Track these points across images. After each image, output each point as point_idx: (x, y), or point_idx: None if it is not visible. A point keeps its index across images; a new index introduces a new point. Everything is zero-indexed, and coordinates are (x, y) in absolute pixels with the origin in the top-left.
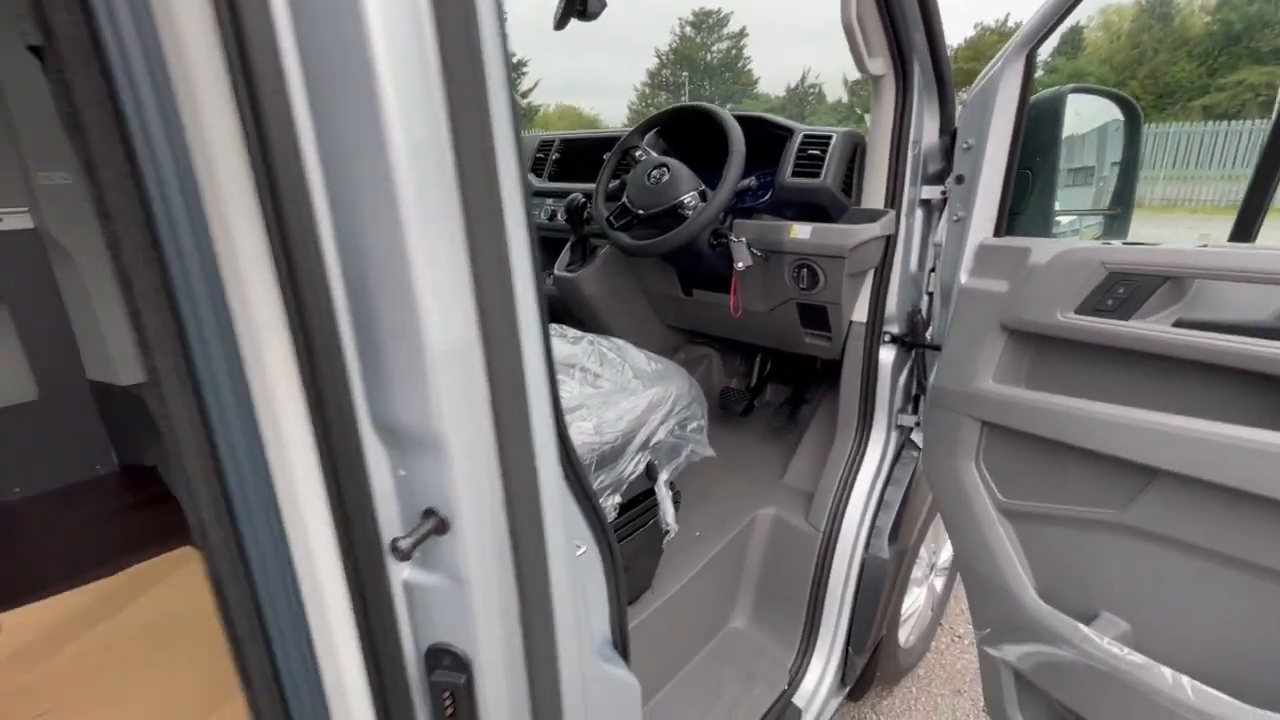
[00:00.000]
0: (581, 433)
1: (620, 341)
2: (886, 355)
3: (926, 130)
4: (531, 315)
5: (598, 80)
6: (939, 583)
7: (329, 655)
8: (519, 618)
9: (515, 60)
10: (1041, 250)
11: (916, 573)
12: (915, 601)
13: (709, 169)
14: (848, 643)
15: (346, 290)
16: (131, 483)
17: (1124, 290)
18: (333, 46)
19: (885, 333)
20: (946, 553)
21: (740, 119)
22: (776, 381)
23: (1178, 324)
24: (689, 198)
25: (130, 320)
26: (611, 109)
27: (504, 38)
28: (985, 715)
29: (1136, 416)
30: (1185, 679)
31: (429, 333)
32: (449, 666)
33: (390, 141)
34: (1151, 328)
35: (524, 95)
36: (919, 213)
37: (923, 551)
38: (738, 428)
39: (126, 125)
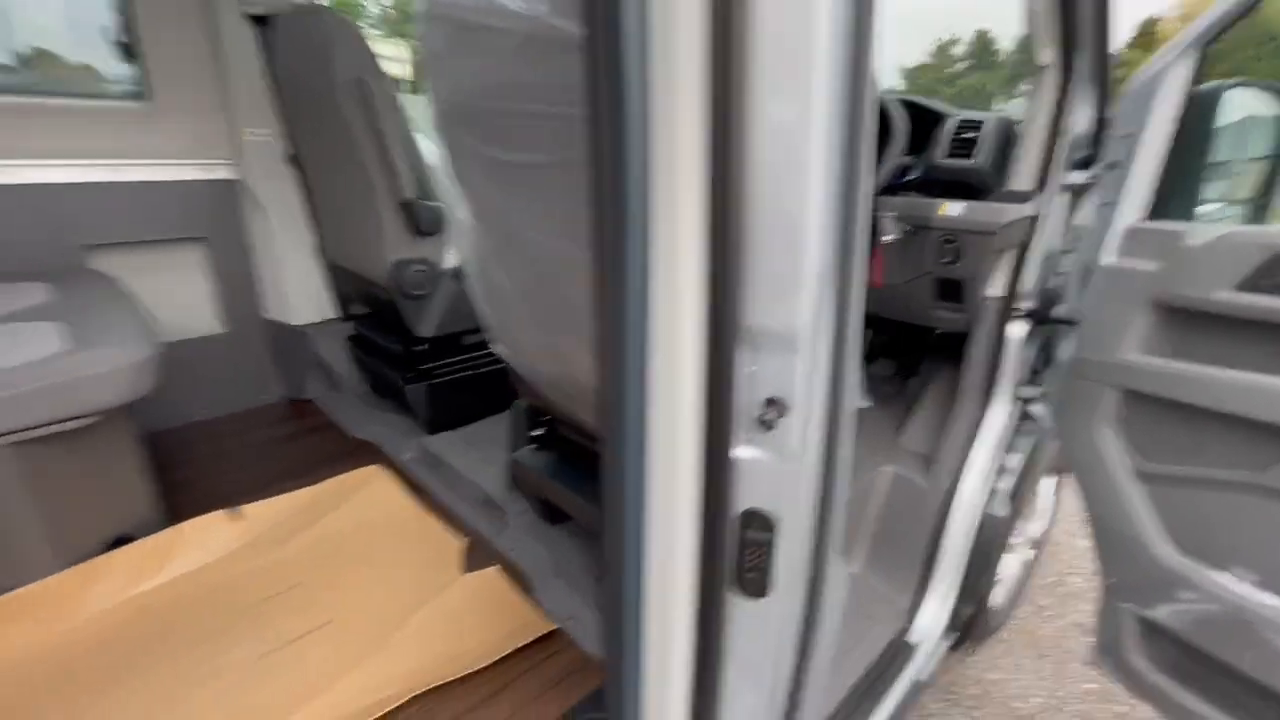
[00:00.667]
0: None
1: None
2: (1017, 329)
3: (1079, 118)
4: (862, 250)
5: None
6: (1030, 554)
7: (669, 506)
8: (819, 487)
9: None
10: (1194, 234)
11: (1013, 539)
12: (1007, 567)
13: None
14: (960, 591)
15: (750, 225)
16: (295, 413)
17: None
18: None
19: (1018, 308)
20: (1037, 526)
21: (902, 103)
22: (886, 356)
23: None
24: None
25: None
26: None
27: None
28: (1068, 678)
29: None
30: None
31: (810, 256)
32: (759, 527)
33: (813, 128)
34: None
35: None
36: (1064, 196)
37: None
38: None
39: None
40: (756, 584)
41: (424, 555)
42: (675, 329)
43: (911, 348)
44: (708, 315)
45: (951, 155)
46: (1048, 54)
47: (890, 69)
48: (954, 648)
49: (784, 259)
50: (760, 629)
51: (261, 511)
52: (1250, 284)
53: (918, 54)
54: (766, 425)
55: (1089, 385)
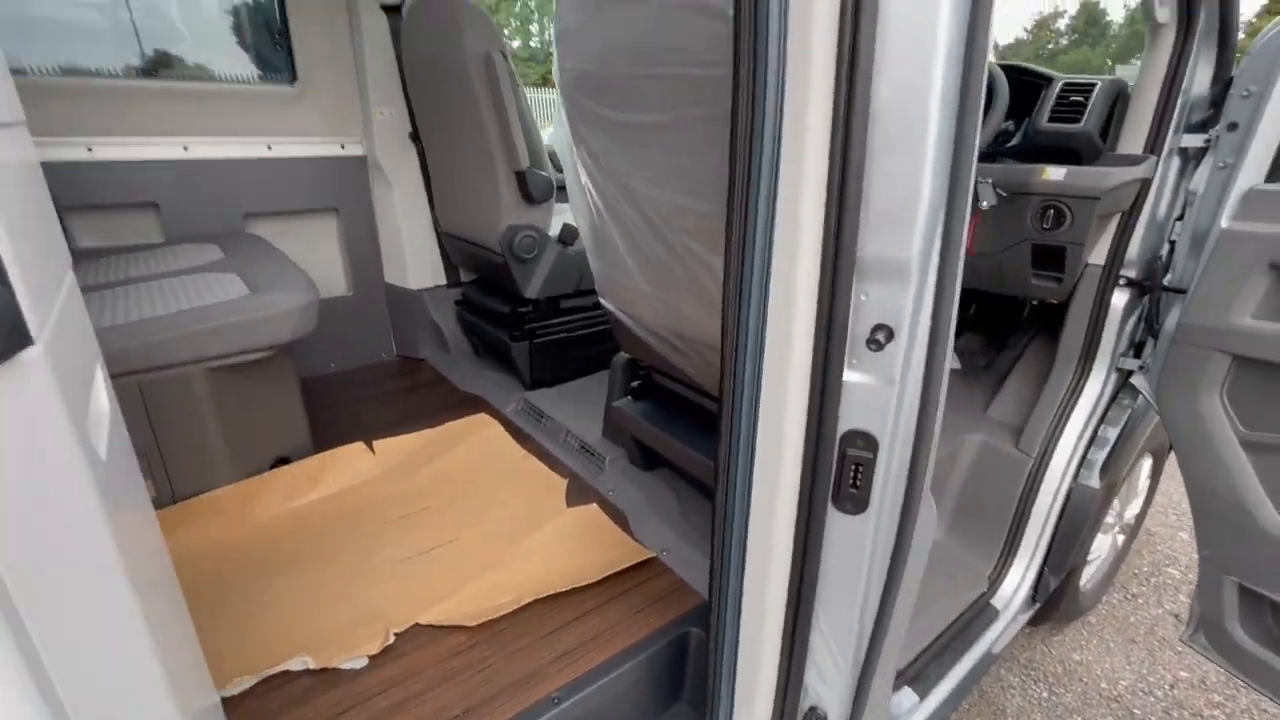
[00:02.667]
0: None
1: None
2: (1119, 298)
3: (1198, 78)
4: (968, 188)
5: None
6: (1121, 539)
7: (777, 425)
8: (919, 410)
9: None
10: None
11: (1107, 518)
12: (1099, 548)
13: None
14: (1045, 561)
15: (871, 173)
16: (410, 369)
17: None
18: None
19: (1121, 276)
20: (1133, 508)
21: (1002, 68)
22: (975, 330)
23: None
24: None
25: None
26: None
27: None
28: (1161, 665)
29: None
30: None
31: (925, 191)
32: (861, 446)
33: (934, 73)
34: None
35: None
36: (1175, 160)
37: (1115, 502)
38: None
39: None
40: (857, 500)
41: (532, 490)
42: (795, 256)
43: (1003, 321)
44: (825, 244)
45: (1055, 119)
46: (1165, 11)
47: None
48: (1036, 622)
49: (901, 193)
50: (855, 546)
51: (391, 446)
52: None
53: (1014, 29)
54: (876, 347)
55: (1196, 352)
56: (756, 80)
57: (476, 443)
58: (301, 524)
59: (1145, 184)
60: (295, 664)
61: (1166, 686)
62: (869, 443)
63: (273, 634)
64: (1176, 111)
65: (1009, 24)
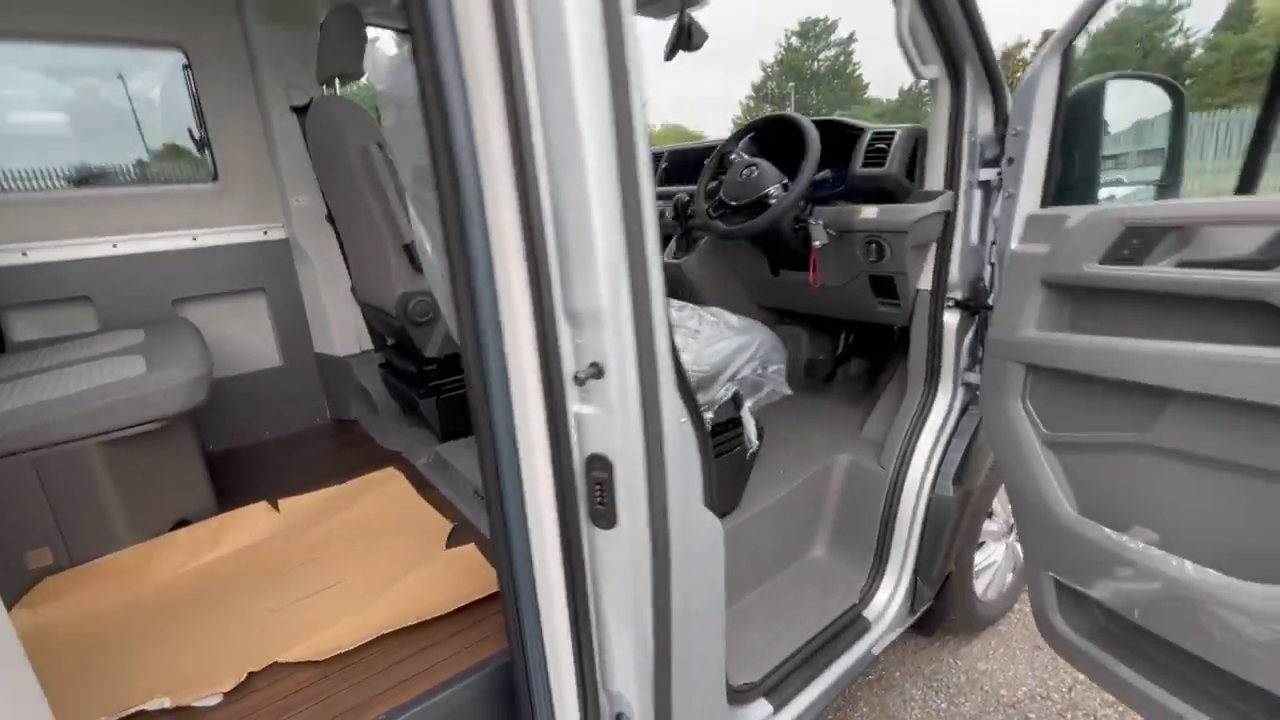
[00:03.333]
0: (685, 362)
1: (717, 309)
2: (951, 318)
3: (981, 121)
4: (654, 248)
5: (703, 97)
6: (1015, 546)
7: (529, 455)
8: (643, 434)
9: None
10: (1075, 215)
11: (991, 526)
12: (991, 556)
13: (795, 166)
14: (916, 572)
15: (555, 233)
16: (342, 430)
17: (1138, 241)
18: (560, 107)
19: (949, 299)
20: None
21: (818, 123)
22: (858, 355)
23: (1179, 265)
24: (773, 189)
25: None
26: (716, 124)
27: (641, 90)
28: (1063, 668)
29: (1151, 346)
30: (1188, 562)
31: (599, 252)
32: (600, 468)
33: (587, 161)
34: (1157, 270)
35: None
36: (978, 193)
37: (1000, 509)
38: (823, 393)
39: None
40: (605, 516)
41: (420, 536)
42: (514, 311)
43: (879, 346)
44: (534, 298)
45: (866, 165)
46: (931, 69)
47: None
48: (931, 632)
49: (579, 252)
50: (617, 558)
51: (296, 504)
52: (1110, 256)
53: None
54: (593, 381)
55: (1001, 363)
56: (455, 165)
57: (378, 495)
58: (197, 581)
59: (949, 216)
60: (153, 704)
61: (1065, 690)
62: (605, 464)
63: (141, 681)
64: (966, 151)
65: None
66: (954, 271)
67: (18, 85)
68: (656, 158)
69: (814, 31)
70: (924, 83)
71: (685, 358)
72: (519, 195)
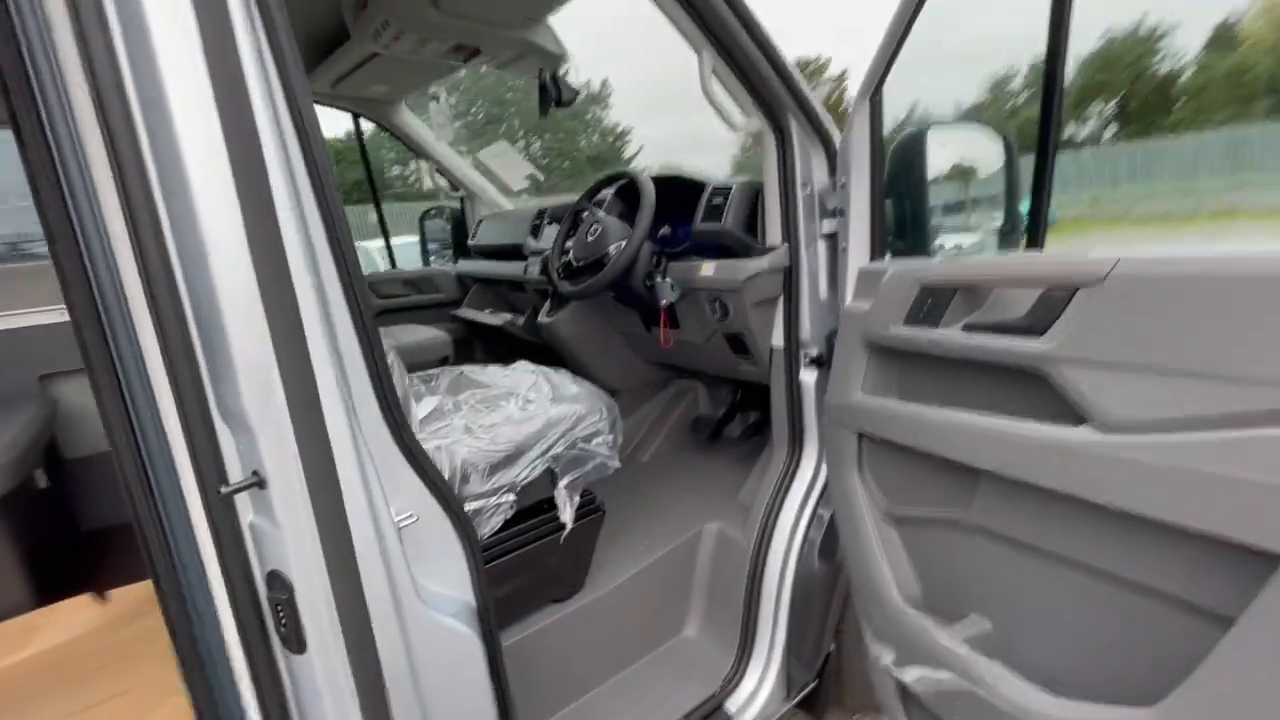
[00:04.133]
0: (474, 445)
1: (563, 374)
2: (808, 376)
3: (816, 173)
4: (321, 343)
5: (702, 137)
6: None
7: (208, 577)
8: (322, 554)
9: (619, 129)
10: (890, 270)
11: None
12: None
13: (676, 219)
14: (788, 652)
15: (198, 326)
16: None
17: (932, 301)
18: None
19: (805, 355)
20: None
21: (663, 178)
22: (749, 409)
23: (965, 328)
24: (613, 248)
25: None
26: (715, 164)
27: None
28: None
29: (948, 417)
30: (1000, 667)
31: (234, 349)
32: (278, 588)
33: (210, 243)
34: (943, 333)
35: (628, 161)
36: (823, 244)
37: None
38: (709, 452)
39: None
40: (293, 640)
41: None
42: (160, 410)
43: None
44: (177, 400)
45: (706, 219)
46: (753, 122)
47: (952, 108)
48: (815, 712)
49: (219, 347)
50: (314, 684)
51: (131, 594)
52: (911, 317)
53: (978, 92)
54: (254, 491)
55: (835, 428)
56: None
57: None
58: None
59: (789, 271)
60: None
61: None
62: (284, 583)
63: None
64: (801, 203)
65: (972, 86)
66: (805, 327)
67: None
68: (540, 214)
69: (806, 71)
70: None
71: (476, 443)
72: (143, 280)
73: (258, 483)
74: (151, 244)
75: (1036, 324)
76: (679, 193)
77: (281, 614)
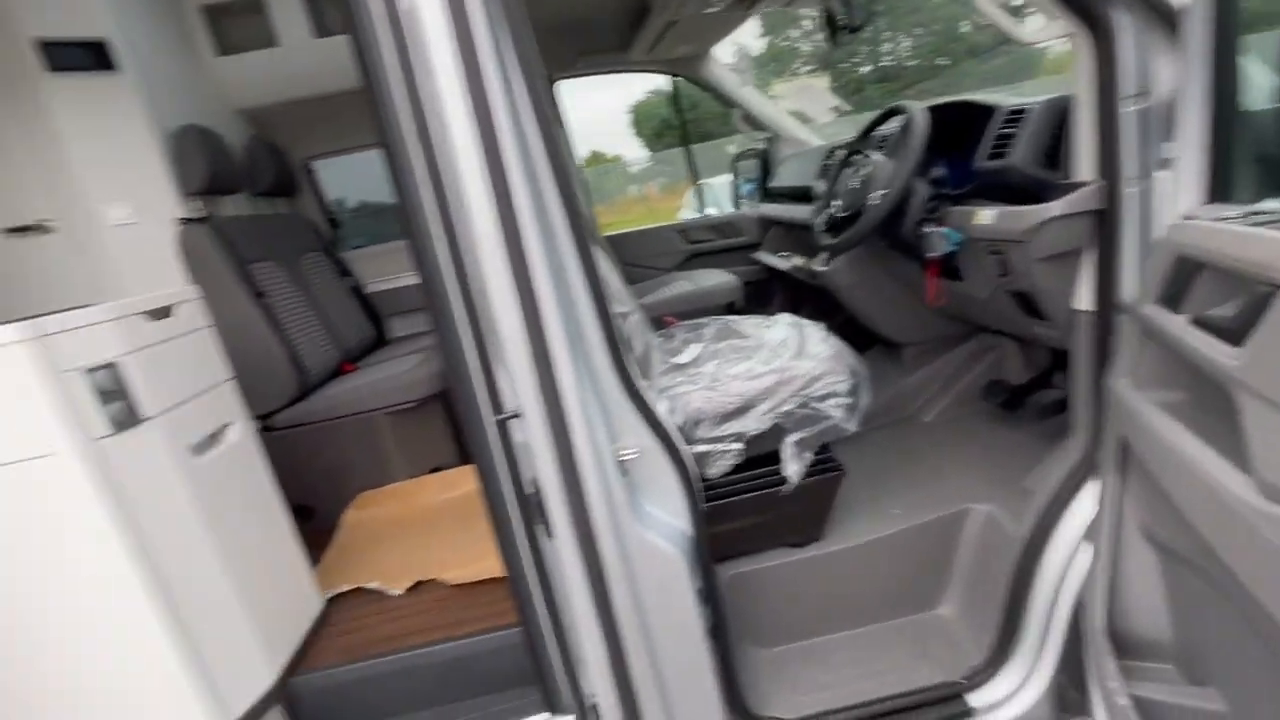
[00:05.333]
0: (709, 395)
1: (818, 331)
2: None
3: (1161, 75)
4: (556, 312)
5: None
6: None
7: (499, 475)
8: (558, 468)
9: None
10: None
11: None
12: None
13: (960, 155)
14: (1062, 668)
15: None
16: None
17: (1188, 277)
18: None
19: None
20: None
21: (947, 105)
22: (1060, 380)
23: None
24: (875, 196)
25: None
26: None
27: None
28: None
29: (1176, 440)
30: None
31: (499, 319)
32: (535, 491)
33: (477, 233)
34: (1171, 319)
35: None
36: (1164, 177)
37: None
38: (1003, 423)
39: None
40: (546, 526)
41: None
42: (469, 356)
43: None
44: (479, 352)
45: (992, 156)
46: (1052, 26)
47: None
48: None
49: (489, 316)
50: (559, 562)
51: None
52: (1163, 295)
53: None
54: (506, 422)
55: (1108, 415)
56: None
57: None
58: (433, 510)
59: (1103, 215)
60: (370, 584)
61: None
62: (537, 486)
63: (375, 567)
64: (1130, 124)
65: None
66: (1128, 288)
67: None
68: (830, 153)
69: None
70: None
71: (709, 392)
72: (454, 264)
73: (515, 415)
74: (450, 234)
75: (1237, 324)
76: (967, 122)
77: (539, 508)
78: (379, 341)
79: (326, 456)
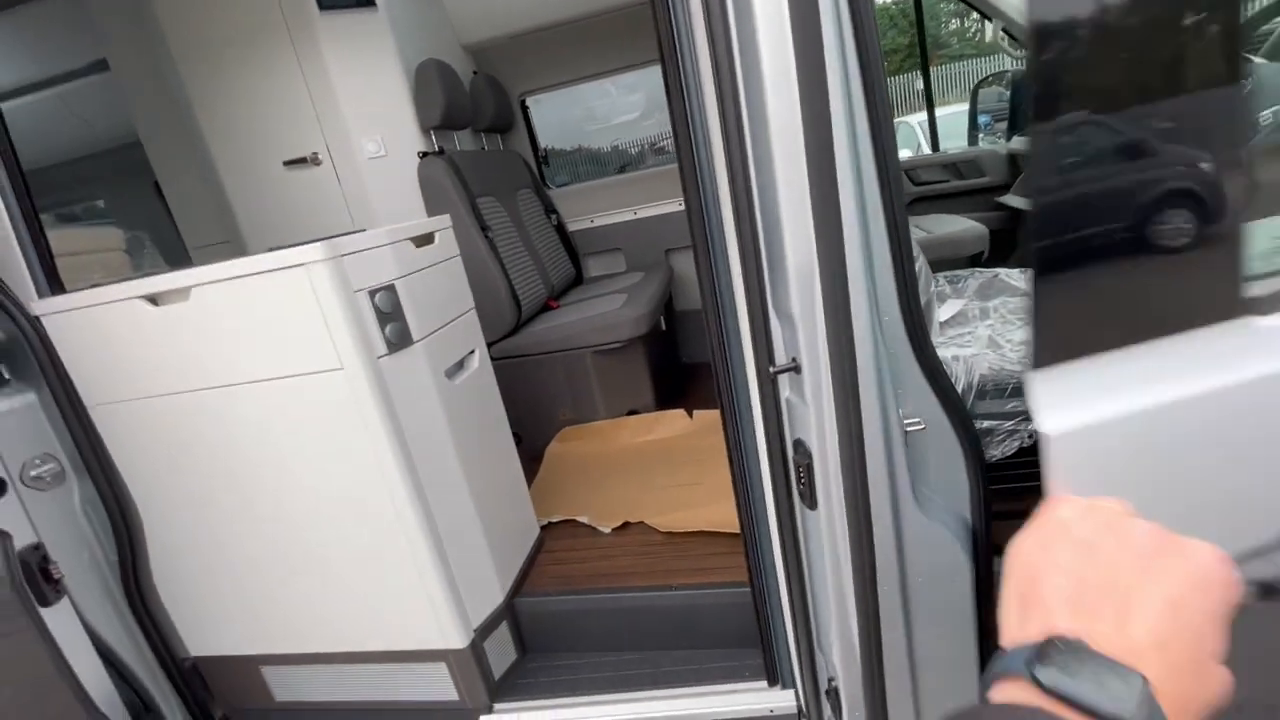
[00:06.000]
0: (996, 361)
1: None
2: None
3: None
4: (858, 255)
5: None
6: None
7: (756, 432)
8: (837, 429)
9: None
10: None
11: None
12: None
13: None
14: None
15: (764, 239)
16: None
17: None
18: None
19: None
20: None
21: None
22: None
23: None
24: None
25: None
26: None
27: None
28: None
29: None
30: None
31: (789, 260)
32: (801, 453)
33: (776, 171)
34: None
35: None
36: None
37: None
38: None
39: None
40: (808, 497)
41: None
42: (736, 297)
43: None
44: (748, 300)
45: None
46: None
47: None
48: None
49: (777, 258)
50: (816, 535)
51: (704, 416)
52: None
53: None
54: (793, 373)
55: None
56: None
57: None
58: (633, 452)
59: None
60: (582, 518)
61: None
62: (806, 450)
63: (586, 501)
64: None
65: None
66: None
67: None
68: None
69: None
70: None
71: (995, 358)
72: (733, 203)
73: (794, 368)
74: (738, 164)
75: None
76: None
77: (801, 475)
78: (577, 280)
79: (533, 389)
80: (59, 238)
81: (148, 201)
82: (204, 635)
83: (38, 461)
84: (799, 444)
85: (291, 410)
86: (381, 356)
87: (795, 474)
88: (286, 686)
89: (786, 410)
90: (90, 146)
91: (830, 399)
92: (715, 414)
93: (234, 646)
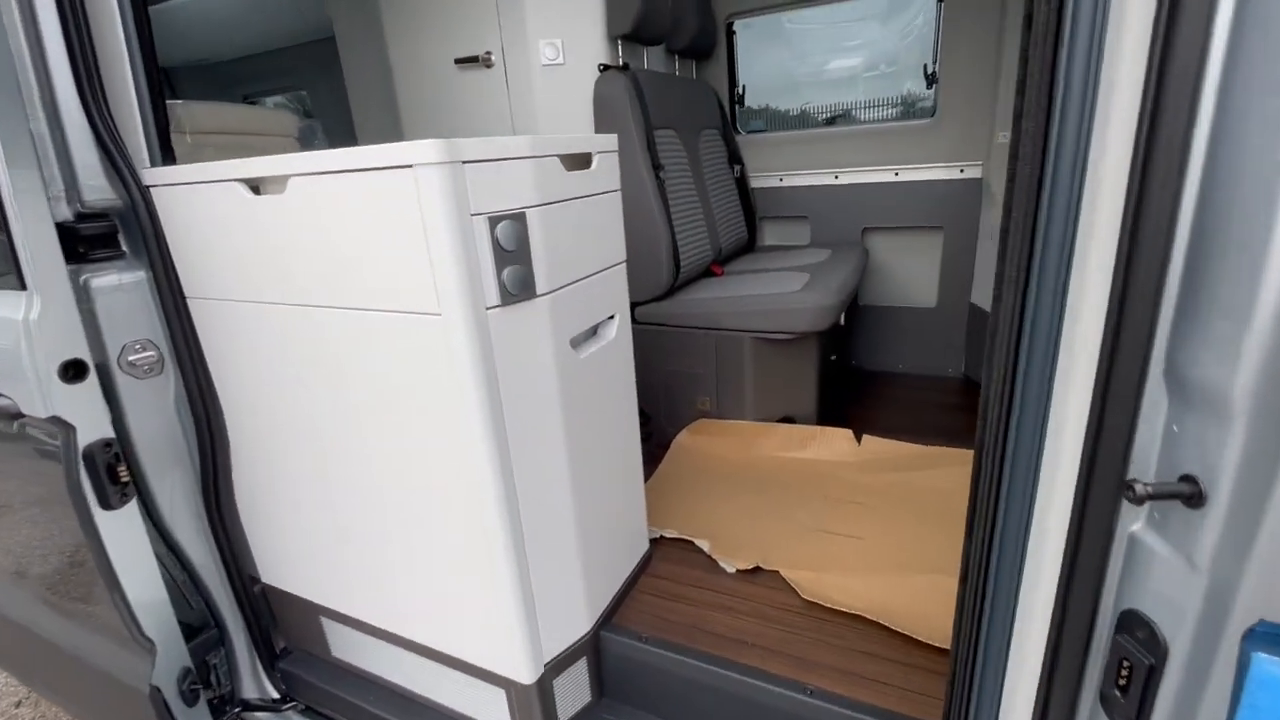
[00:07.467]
0: None
1: None
2: None
3: None
4: None
5: None
6: None
7: (1027, 552)
8: (1239, 623)
9: None
10: None
11: None
12: None
13: None
14: None
15: (1186, 251)
16: (965, 390)
17: None
18: None
19: None
20: None
21: None
22: None
23: None
24: None
25: (1000, 237)
26: None
27: None
28: None
29: None
30: None
31: (1270, 285)
32: (1140, 640)
33: None
34: None
35: None
36: None
37: None
38: None
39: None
40: (1124, 712)
41: (956, 540)
42: (1072, 356)
43: None
44: (1104, 342)
45: None
46: None
47: None
48: None
49: (1230, 285)
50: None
51: (875, 445)
52: None
53: None
54: (1181, 505)
55: None
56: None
57: (954, 475)
58: (777, 469)
59: None
60: (700, 543)
61: None
62: (1151, 640)
63: (707, 520)
64: None
65: None
66: None
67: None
68: None
69: None
70: None
71: None
72: (1136, 202)
73: (1187, 495)
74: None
75: None
76: None
77: (1123, 672)
78: (748, 246)
79: (674, 365)
80: (228, 112)
81: (336, 94)
82: (276, 565)
83: (138, 346)
84: (1135, 622)
85: (380, 354)
86: (492, 308)
87: (1115, 667)
88: (342, 646)
89: (1126, 559)
90: (291, 39)
91: (1245, 557)
92: (889, 444)
93: (299, 587)
